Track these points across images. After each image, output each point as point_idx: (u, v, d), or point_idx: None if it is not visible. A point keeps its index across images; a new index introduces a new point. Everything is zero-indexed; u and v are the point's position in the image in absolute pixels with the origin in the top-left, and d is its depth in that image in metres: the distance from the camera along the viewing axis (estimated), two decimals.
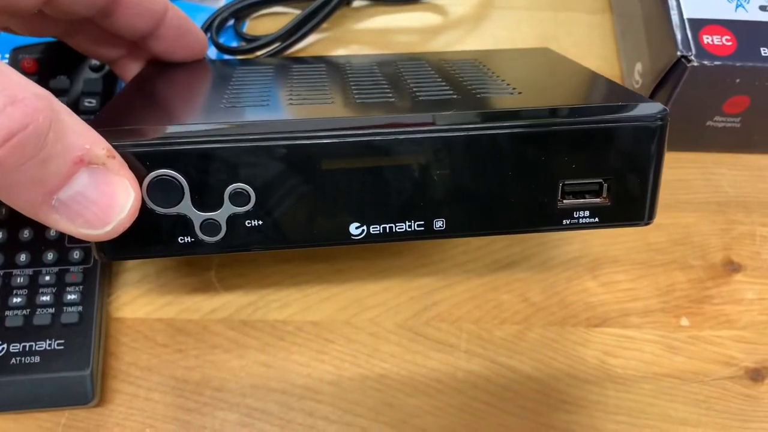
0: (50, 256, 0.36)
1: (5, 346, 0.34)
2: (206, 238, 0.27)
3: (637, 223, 0.29)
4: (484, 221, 0.28)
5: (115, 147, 0.25)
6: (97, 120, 0.27)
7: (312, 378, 0.37)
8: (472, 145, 0.27)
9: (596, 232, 0.41)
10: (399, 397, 0.36)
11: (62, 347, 0.34)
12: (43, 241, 0.36)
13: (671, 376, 0.37)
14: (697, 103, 0.40)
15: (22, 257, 0.36)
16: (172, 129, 0.27)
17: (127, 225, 0.25)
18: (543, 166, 0.28)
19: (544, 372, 0.37)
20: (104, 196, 0.24)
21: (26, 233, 0.36)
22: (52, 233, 0.37)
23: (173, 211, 0.27)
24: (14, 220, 0.36)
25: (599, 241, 0.41)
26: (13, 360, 0.34)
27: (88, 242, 0.27)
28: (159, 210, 0.27)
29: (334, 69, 0.37)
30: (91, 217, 0.24)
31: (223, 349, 0.37)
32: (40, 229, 0.36)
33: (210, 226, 0.27)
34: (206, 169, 0.26)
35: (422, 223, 0.28)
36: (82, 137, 0.24)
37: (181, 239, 0.27)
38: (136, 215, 0.25)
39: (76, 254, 0.36)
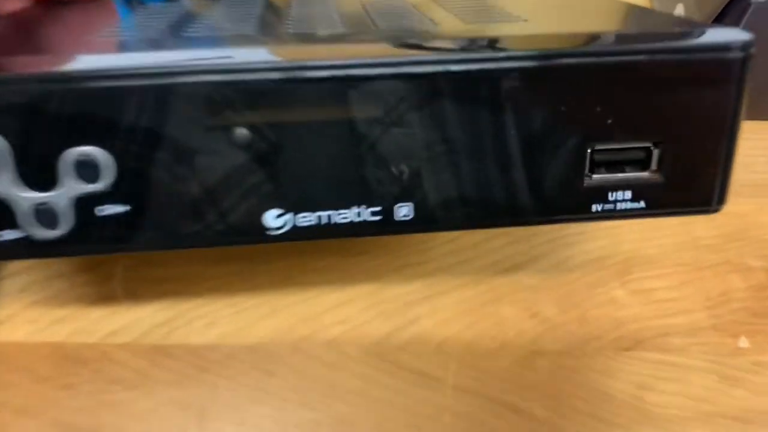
0: None
1: None
2: (41, 233, 0.18)
3: (702, 209, 0.21)
4: (472, 208, 0.19)
5: None
6: None
7: (246, 425, 0.28)
8: (452, 87, 0.18)
9: (626, 225, 0.33)
10: None
11: None
12: None
13: (728, 416, 0.30)
14: (761, 54, 0.31)
15: None
16: None
17: None
18: (562, 122, 0.19)
19: (560, 413, 0.29)
20: None
21: None
22: None
23: None
24: None
25: (630, 236, 0.33)
26: None
27: None
28: None
29: (277, 5, 0.28)
30: None
31: (125, 384, 0.28)
32: None
33: (44, 215, 0.18)
34: (35, 123, 0.17)
35: (378, 210, 0.19)
36: None
37: (3, 235, 0.18)
38: None
39: None
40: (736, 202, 0.33)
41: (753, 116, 0.35)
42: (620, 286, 0.32)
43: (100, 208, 0.18)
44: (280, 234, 0.19)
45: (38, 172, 0.18)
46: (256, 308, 0.30)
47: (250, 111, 0.18)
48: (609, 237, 0.33)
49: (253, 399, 0.28)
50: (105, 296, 0.30)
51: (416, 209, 0.19)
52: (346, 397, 0.29)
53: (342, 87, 0.18)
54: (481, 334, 0.30)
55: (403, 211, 0.19)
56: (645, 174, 0.20)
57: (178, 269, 0.30)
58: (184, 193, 0.18)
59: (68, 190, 0.18)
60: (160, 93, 0.17)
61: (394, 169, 0.19)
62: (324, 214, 0.19)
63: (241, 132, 0.18)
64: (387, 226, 0.19)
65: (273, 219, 0.19)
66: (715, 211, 0.21)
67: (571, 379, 0.30)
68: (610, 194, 0.20)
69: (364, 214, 0.19)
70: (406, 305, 0.30)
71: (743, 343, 0.31)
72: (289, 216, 0.19)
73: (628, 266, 0.32)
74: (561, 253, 0.32)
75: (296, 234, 0.19)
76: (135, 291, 0.30)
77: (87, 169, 0.18)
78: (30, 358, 0.28)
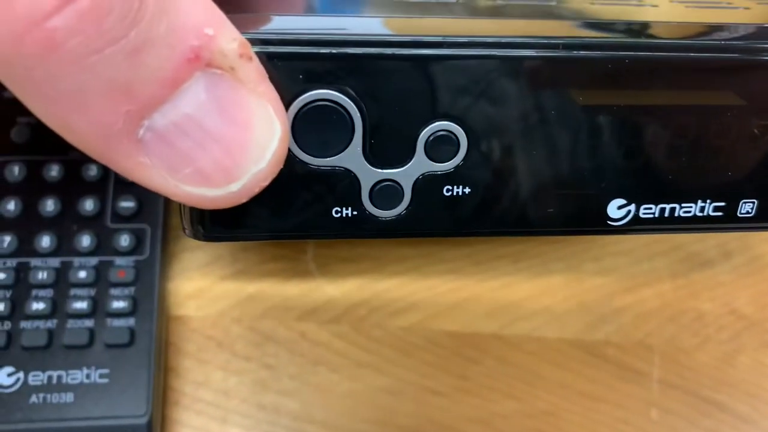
0: (85, 240, 0.24)
1: (22, 375, 0.23)
2: (377, 212, 0.17)
3: None
4: None
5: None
6: None
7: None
8: None
9: None
10: None
11: (106, 380, 0.23)
12: (74, 216, 0.25)
13: None
14: None
15: (45, 240, 0.24)
16: (338, 23, 0.16)
17: (266, 182, 0.14)
18: None
19: (760, 411, 0.28)
20: (233, 127, 0.13)
21: (49, 204, 0.24)
22: (88, 206, 0.25)
23: (330, 163, 0.16)
24: (31, 182, 0.24)
25: None
26: (34, 397, 0.23)
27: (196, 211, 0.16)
28: (309, 160, 0.16)
29: None
30: (209, 165, 0.13)
31: (329, 366, 0.27)
32: (68, 197, 0.25)
33: (386, 193, 0.16)
34: (394, 92, 0.16)
35: (722, 205, 0.18)
36: (200, 15, 0.13)
37: (338, 212, 0.16)
38: (281, 166, 0.14)
39: (125, 239, 0.25)
40: None
41: None
42: None
43: (447, 187, 0.17)
44: (620, 225, 0.18)
45: (387, 145, 0.16)
46: (453, 292, 0.28)
47: (613, 91, 0.16)
48: None
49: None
50: (299, 273, 0.28)
51: (760, 206, 0.18)
52: (551, 388, 0.27)
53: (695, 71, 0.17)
54: (682, 328, 0.29)
55: (746, 207, 0.18)
56: None
57: (367, 248, 0.28)
58: (527, 177, 0.17)
59: (416, 167, 0.16)
60: (532, 66, 0.16)
61: (743, 162, 0.17)
62: (667, 206, 0.18)
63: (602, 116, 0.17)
64: (728, 221, 0.18)
65: (615, 209, 0.18)
66: None
67: None
68: None
69: (707, 208, 0.18)
70: (606, 296, 0.29)
71: None
72: (631, 207, 0.18)
73: None
74: (754, 250, 0.30)
75: (635, 225, 0.18)
76: (327, 269, 0.28)
77: (441, 146, 0.16)
78: (226, 336, 0.27)
